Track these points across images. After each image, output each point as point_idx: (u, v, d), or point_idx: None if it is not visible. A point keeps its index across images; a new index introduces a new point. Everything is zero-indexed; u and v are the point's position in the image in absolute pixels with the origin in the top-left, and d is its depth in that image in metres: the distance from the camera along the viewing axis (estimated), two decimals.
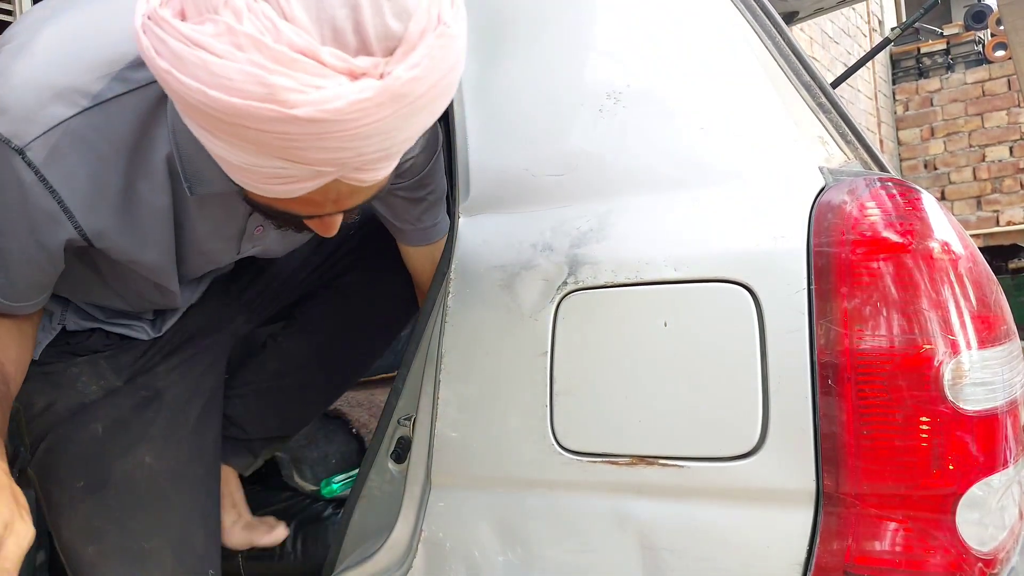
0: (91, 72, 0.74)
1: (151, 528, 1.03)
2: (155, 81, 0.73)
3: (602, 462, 0.82)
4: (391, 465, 0.97)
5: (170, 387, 1.08)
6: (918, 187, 0.80)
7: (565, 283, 0.85)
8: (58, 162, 0.73)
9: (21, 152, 0.72)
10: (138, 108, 0.76)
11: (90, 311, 1.05)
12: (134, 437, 1.04)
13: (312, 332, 1.25)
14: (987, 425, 0.72)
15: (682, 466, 0.78)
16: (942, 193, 6.55)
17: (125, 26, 0.73)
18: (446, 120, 0.99)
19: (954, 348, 0.72)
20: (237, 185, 0.73)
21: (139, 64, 0.74)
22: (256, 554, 1.25)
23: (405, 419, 0.96)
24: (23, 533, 0.71)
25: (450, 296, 0.92)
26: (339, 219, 0.77)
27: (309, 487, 1.37)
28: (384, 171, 0.69)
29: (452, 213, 0.96)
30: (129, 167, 0.78)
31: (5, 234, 0.79)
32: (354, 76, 0.58)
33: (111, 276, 0.96)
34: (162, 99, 0.76)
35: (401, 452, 0.96)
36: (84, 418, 1.03)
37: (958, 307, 0.73)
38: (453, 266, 0.92)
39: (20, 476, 1.04)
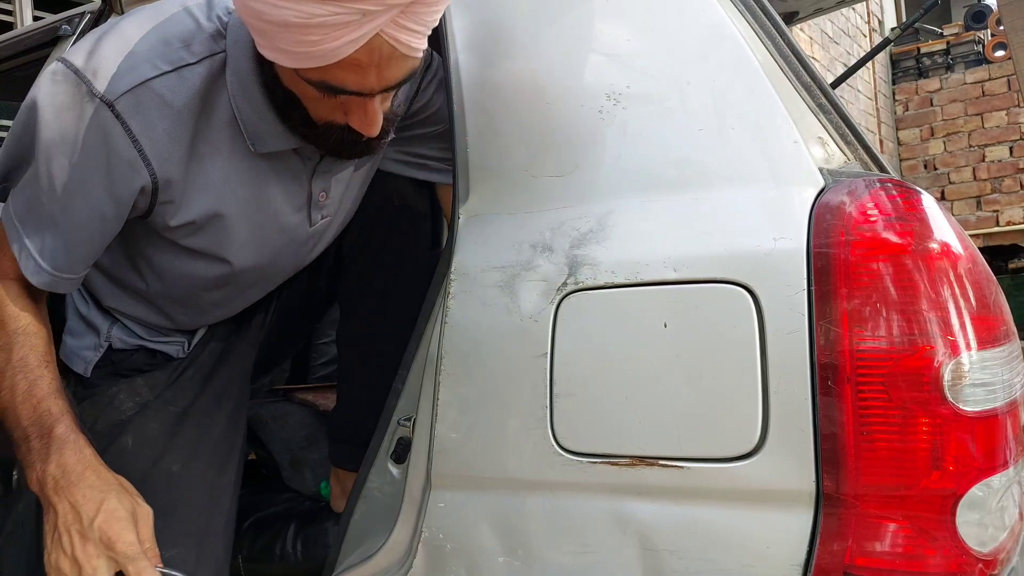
0: (167, 44, 0.88)
1: (174, 535, 1.04)
2: (217, 53, 0.90)
3: (602, 463, 0.82)
4: (391, 466, 0.97)
5: (196, 398, 1.12)
6: (918, 188, 0.80)
7: (565, 284, 0.85)
8: (140, 115, 0.87)
9: (111, 105, 0.85)
10: (204, 76, 0.90)
11: (134, 328, 1.13)
12: (161, 448, 1.08)
13: (356, 312, 1.25)
14: (987, 426, 0.72)
15: (682, 467, 0.78)
16: (942, 193, 6.55)
17: (186, 9, 0.92)
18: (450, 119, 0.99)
19: (954, 349, 0.72)
20: (294, 139, 0.92)
21: (204, 40, 0.90)
22: (256, 555, 1.25)
23: (405, 420, 0.96)
24: (145, 514, 0.86)
25: (450, 297, 0.92)
26: (380, 114, 0.86)
27: (309, 488, 1.37)
28: (417, 41, 0.79)
29: (452, 214, 0.96)
30: (196, 126, 0.91)
31: (75, 193, 0.89)
32: None
33: (159, 281, 1.05)
34: (222, 70, 0.91)
35: (401, 453, 0.96)
36: (116, 432, 1.08)
37: (958, 308, 0.73)
38: (453, 267, 0.92)
39: None
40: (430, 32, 0.82)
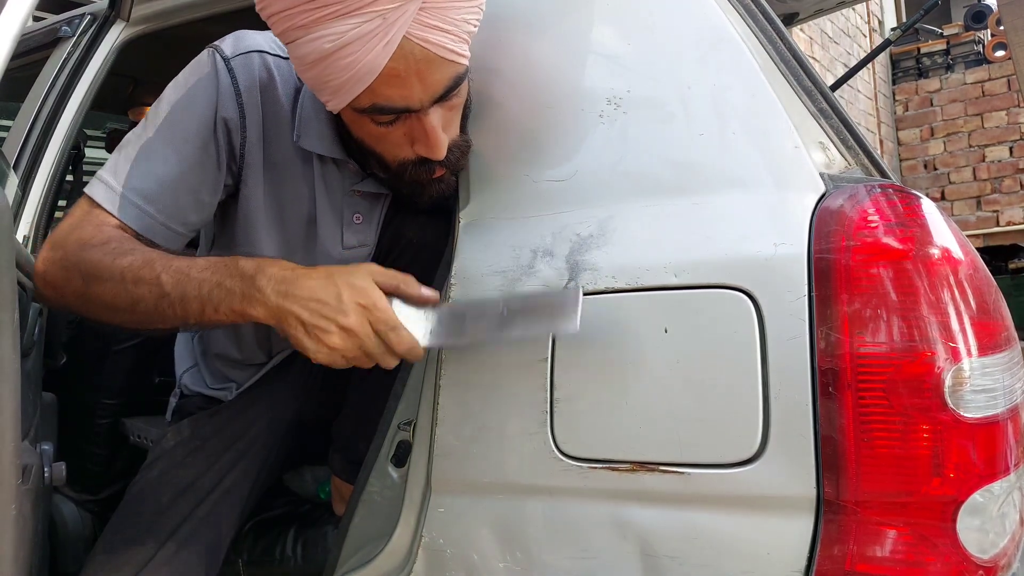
0: (273, 40, 1.04)
1: (153, 562, 1.05)
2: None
3: (603, 468, 0.82)
4: (391, 470, 0.97)
5: (216, 435, 1.15)
6: (918, 193, 0.80)
7: (566, 289, 0.85)
8: (244, 72, 1.01)
9: (227, 60, 1.00)
10: (289, 69, 1.03)
11: (204, 374, 1.24)
12: (179, 483, 1.11)
13: None
14: (988, 432, 0.72)
15: (683, 473, 0.78)
16: (942, 193, 6.55)
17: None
18: None
19: (955, 355, 0.72)
20: (337, 148, 1.01)
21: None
22: (256, 559, 1.25)
23: (405, 424, 0.96)
24: (367, 272, 0.85)
25: (451, 301, 0.91)
26: (441, 133, 0.89)
27: (309, 490, 1.37)
28: (451, 42, 0.83)
29: (453, 219, 0.95)
30: (273, 103, 1.03)
31: (180, 116, 0.98)
32: None
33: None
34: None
35: (401, 457, 0.96)
36: (150, 466, 1.14)
37: (958, 313, 0.73)
38: (454, 271, 0.92)
39: None
40: (466, 35, 0.86)
